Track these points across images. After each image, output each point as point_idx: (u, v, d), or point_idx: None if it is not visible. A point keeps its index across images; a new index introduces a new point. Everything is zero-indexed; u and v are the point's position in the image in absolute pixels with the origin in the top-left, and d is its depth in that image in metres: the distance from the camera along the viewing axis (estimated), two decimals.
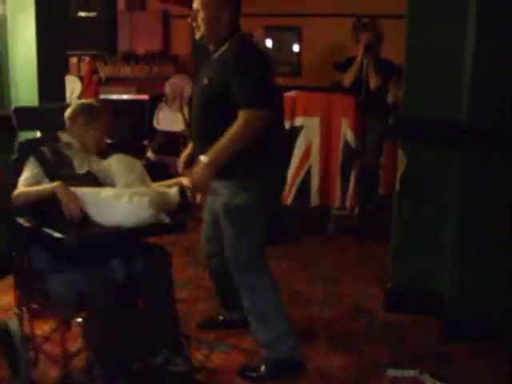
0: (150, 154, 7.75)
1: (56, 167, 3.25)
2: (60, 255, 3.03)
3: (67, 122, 3.47)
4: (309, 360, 3.65)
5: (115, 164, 3.36)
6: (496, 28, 3.74)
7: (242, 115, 3.16)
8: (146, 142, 8.26)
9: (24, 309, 3.37)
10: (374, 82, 5.91)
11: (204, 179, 3.20)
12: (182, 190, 3.42)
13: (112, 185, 3.31)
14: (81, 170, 3.33)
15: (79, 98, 7.29)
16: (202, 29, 3.40)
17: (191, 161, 3.56)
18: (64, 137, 3.41)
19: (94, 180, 3.31)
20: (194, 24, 3.43)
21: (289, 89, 6.31)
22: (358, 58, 5.96)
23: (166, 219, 3.19)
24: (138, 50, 9.93)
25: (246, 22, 9.63)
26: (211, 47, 3.49)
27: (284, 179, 3.83)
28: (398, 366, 3.57)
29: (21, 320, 3.35)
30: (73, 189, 3.07)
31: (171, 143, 7.61)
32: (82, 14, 5.96)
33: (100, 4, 6.03)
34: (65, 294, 3.01)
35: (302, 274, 5.18)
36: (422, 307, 4.28)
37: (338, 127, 5.87)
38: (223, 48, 3.39)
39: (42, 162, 3.25)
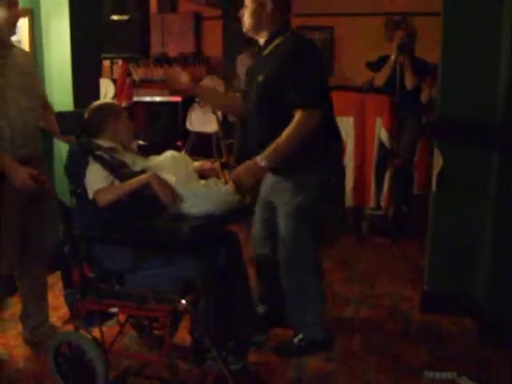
0: None
1: (117, 168, 3.22)
2: (163, 249, 3.07)
3: (96, 127, 3.39)
4: (345, 361, 3.65)
5: (171, 159, 3.35)
6: None
7: (298, 116, 3.21)
8: (179, 143, 8.29)
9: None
10: (410, 82, 5.83)
11: (255, 179, 3.31)
12: None
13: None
14: (136, 167, 3.30)
15: (112, 100, 7.34)
16: (247, 22, 3.44)
17: (240, 157, 3.62)
18: (103, 142, 3.35)
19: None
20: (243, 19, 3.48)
21: None
22: (392, 57, 5.90)
23: (248, 201, 3.49)
24: (170, 52, 10.00)
25: None
26: (260, 42, 3.52)
27: (342, 176, 3.96)
28: (435, 368, 3.54)
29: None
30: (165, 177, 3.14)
31: (204, 144, 7.63)
32: (114, 17, 5.98)
33: (132, 7, 6.05)
34: (170, 285, 3.05)
35: (339, 273, 5.16)
36: (458, 309, 4.23)
37: (373, 127, 5.83)
38: (273, 44, 3.40)
39: (105, 165, 3.19)
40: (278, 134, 3.25)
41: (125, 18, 5.92)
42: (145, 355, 3.74)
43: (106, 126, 3.38)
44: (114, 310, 3.18)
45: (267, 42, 3.44)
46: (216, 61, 9.49)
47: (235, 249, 3.43)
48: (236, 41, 7.84)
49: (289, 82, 3.23)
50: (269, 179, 3.62)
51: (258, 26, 3.42)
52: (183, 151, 3.66)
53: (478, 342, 3.89)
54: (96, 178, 3.13)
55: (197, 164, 3.52)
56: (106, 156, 3.21)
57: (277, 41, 3.39)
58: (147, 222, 3.04)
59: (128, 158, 3.33)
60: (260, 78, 3.38)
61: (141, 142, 7.50)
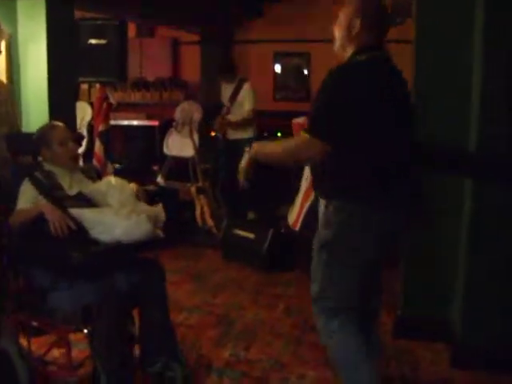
0: (159, 180, 7.78)
1: (50, 190, 3.39)
2: (63, 272, 3.16)
3: (39, 147, 3.56)
4: None
5: (107, 185, 3.50)
6: (502, 52, 3.75)
7: (301, 136, 3.00)
8: (155, 168, 8.28)
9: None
10: None
11: (245, 166, 3.21)
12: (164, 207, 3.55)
13: (103, 205, 3.43)
14: (71, 191, 3.46)
15: (90, 123, 7.35)
16: (337, 40, 3.14)
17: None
18: (44, 165, 3.53)
19: (85, 200, 3.43)
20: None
21: (298, 114, 6.33)
22: None
23: (161, 234, 3.41)
24: (148, 77, 10.02)
25: (255, 48, 9.76)
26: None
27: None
28: None
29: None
30: (74, 210, 3.23)
31: (181, 169, 7.63)
32: (92, 41, 6.00)
33: (110, 32, 6.08)
34: (71, 308, 3.16)
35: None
36: (432, 334, 4.25)
37: None
38: None
39: (37, 185, 3.37)
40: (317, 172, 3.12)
41: (103, 42, 5.94)
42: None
43: (46, 149, 3.53)
44: (34, 323, 3.34)
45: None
46: (193, 86, 9.52)
47: (153, 276, 3.49)
48: (213, 66, 7.88)
49: (313, 106, 2.99)
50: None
51: (342, 46, 3.10)
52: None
53: (451, 367, 3.91)
54: (22, 198, 3.31)
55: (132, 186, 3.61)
56: (40, 177, 3.38)
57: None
58: (41, 245, 3.20)
59: (65, 182, 3.48)
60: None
61: (117, 166, 7.52)
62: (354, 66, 2.98)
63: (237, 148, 7.03)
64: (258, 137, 7.78)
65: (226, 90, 7.46)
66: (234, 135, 7.40)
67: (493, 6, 3.72)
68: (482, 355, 3.86)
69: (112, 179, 3.58)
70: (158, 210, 3.49)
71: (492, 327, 3.89)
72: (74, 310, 3.16)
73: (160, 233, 3.41)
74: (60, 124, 3.68)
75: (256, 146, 3.15)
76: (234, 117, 7.34)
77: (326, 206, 3.10)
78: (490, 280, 3.88)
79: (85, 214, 3.23)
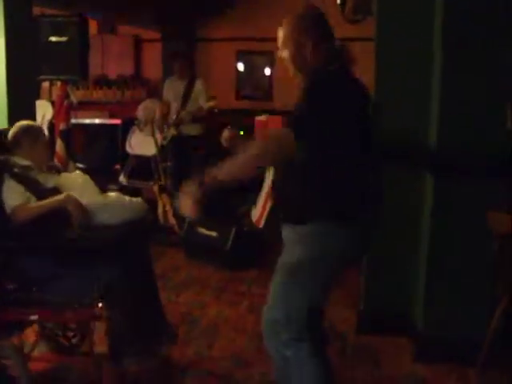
0: (122, 179, 7.71)
1: (32, 185, 3.45)
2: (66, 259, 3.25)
3: (14, 146, 3.61)
4: None
5: (80, 179, 3.67)
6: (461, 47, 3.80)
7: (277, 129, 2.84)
8: (118, 167, 8.22)
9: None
10: None
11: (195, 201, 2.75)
12: None
13: (81, 195, 3.51)
14: (48, 185, 3.54)
15: (51, 122, 7.25)
16: (291, 69, 3.00)
17: None
18: (19, 160, 3.55)
19: (60, 193, 3.48)
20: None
21: (260, 113, 6.34)
22: None
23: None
24: (109, 75, 9.95)
25: (218, 47, 9.74)
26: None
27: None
28: None
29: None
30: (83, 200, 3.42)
31: (143, 168, 7.58)
32: (53, 38, 5.93)
33: (71, 29, 6.01)
34: (90, 288, 3.26)
35: None
36: (394, 329, 4.29)
37: None
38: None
39: (20, 182, 3.41)
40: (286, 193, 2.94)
41: (63, 39, 5.87)
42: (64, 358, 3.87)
43: (23, 145, 3.60)
44: (34, 317, 3.32)
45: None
46: (155, 83, 9.47)
47: (145, 259, 3.69)
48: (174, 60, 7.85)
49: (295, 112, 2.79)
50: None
51: (302, 70, 2.97)
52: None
53: (413, 361, 3.94)
54: (13, 194, 3.34)
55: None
56: (21, 174, 3.44)
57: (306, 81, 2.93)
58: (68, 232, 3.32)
59: (41, 177, 3.56)
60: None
61: (79, 165, 7.44)
62: (329, 75, 2.88)
63: (188, 143, 7.35)
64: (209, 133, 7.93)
65: (177, 87, 7.48)
66: (188, 131, 7.46)
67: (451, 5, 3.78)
68: (444, 349, 3.90)
69: (81, 174, 3.75)
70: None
71: (453, 321, 3.94)
72: (92, 289, 3.25)
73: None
74: (35, 126, 3.80)
75: (208, 176, 2.77)
76: (188, 113, 7.39)
77: (294, 229, 2.92)
78: (450, 275, 3.93)
79: (91, 204, 3.43)
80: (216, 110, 7.48)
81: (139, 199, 3.70)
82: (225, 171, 2.77)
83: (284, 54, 2.98)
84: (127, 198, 3.68)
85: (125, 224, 3.47)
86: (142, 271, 3.60)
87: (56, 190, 3.49)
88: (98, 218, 3.41)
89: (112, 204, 3.54)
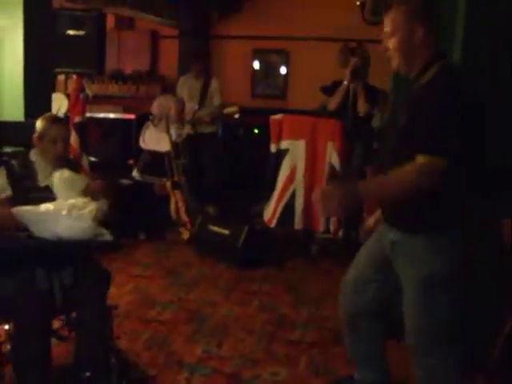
0: (135, 174, 7.71)
1: (21, 180, 3.42)
2: None
3: (40, 137, 3.55)
4: None
5: (56, 180, 3.47)
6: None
7: (419, 161, 2.57)
8: (131, 162, 8.22)
9: None
10: (362, 108, 5.92)
11: (340, 202, 2.60)
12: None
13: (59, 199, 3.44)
14: (43, 183, 3.48)
15: (66, 115, 7.27)
16: (396, 57, 2.82)
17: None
18: (31, 155, 3.55)
19: (51, 193, 3.42)
20: (388, 54, 2.86)
21: (275, 112, 6.33)
22: (345, 83, 5.97)
23: (107, 236, 3.33)
24: (125, 70, 9.96)
25: (234, 45, 9.74)
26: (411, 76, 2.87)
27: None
28: None
29: None
30: (15, 208, 3.20)
31: (157, 163, 7.58)
32: (70, 32, 5.95)
33: (89, 23, 6.02)
34: None
35: (286, 296, 5.16)
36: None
37: (324, 151, 5.88)
38: (426, 76, 2.76)
39: (9, 174, 3.41)
40: (413, 199, 2.69)
41: (81, 33, 5.89)
42: None
43: (38, 140, 3.54)
44: None
45: (418, 75, 2.81)
46: (171, 80, 9.45)
47: (89, 280, 3.36)
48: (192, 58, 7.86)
49: (422, 121, 2.62)
50: (389, 231, 2.97)
51: (409, 60, 2.81)
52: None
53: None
54: None
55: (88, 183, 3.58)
56: (15, 166, 3.45)
57: (429, 73, 2.75)
58: None
59: (44, 173, 3.48)
60: (402, 119, 2.80)
61: (92, 159, 7.45)
62: (456, 72, 2.82)
63: (203, 141, 7.38)
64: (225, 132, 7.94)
65: (193, 86, 7.50)
66: (202, 129, 7.48)
67: None
68: None
69: (63, 173, 3.49)
70: (100, 205, 3.45)
71: None
72: None
73: (105, 233, 3.33)
74: (59, 121, 3.67)
75: (358, 185, 2.66)
76: (205, 111, 7.42)
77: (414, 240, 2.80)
78: None
79: (24, 213, 3.20)
80: (237, 116, 7.48)
81: (85, 213, 3.28)
82: (372, 190, 2.72)
83: (390, 42, 2.81)
84: (77, 211, 3.28)
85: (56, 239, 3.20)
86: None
87: (47, 189, 3.43)
88: (33, 229, 3.20)
89: (43, 216, 3.22)
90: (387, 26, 2.81)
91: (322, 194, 2.63)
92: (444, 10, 3.83)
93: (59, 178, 3.46)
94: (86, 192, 3.48)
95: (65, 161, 3.59)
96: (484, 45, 3.79)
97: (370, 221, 3.37)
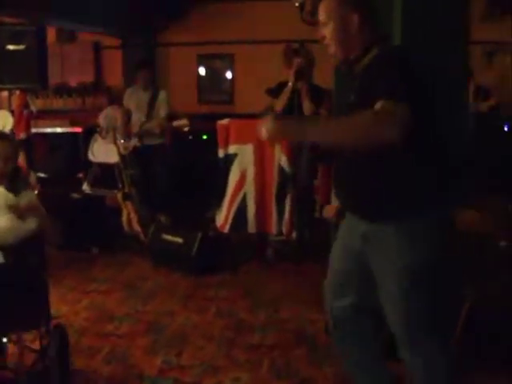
0: (85, 187, 7.63)
1: None
2: None
3: None
4: None
5: None
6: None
7: (376, 107, 2.36)
8: (81, 175, 8.14)
9: None
10: (307, 108, 5.94)
11: (281, 132, 2.48)
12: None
13: None
14: None
15: (11, 132, 7.16)
16: (332, 45, 2.72)
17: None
18: None
19: None
20: (325, 42, 2.75)
21: (223, 117, 6.33)
22: (290, 84, 5.99)
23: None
24: (70, 82, 9.85)
25: (178, 51, 9.70)
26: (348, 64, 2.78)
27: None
28: None
29: None
30: None
31: (107, 175, 7.51)
32: (10, 47, 5.87)
33: (29, 37, 5.95)
34: None
35: (244, 301, 5.16)
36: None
37: (272, 154, 5.89)
38: (366, 59, 2.68)
39: None
40: (377, 179, 2.57)
41: (21, 47, 5.82)
42: None
43: None
44: None
45: (356, 60, 2.72)
46: (117, 90, 9.38)
47: None
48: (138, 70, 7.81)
49: (378, 80, 2.46)
50: (358, 225, 2.76)
51: (345, 49, 2.71)
52: None
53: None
54: None
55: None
56: None
57: (369, 55, 2.68)
58: None
59: None
60: (351, 97, 2.71)
61: (41, 175, 7.36)
62: (399, 50, 2.87)
63: (151, 152, 7.31)
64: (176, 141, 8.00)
65: (141, 98, 7.43)
66: (149, 141, 7.38)
67: None
68: None
69: None
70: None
71: None
72: None
73: None
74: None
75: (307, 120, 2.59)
76: (153, 123, 7.35)
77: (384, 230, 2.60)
78: None
79: None
80: (186, 129, 7.46)
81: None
82: (322, 127, 2.47)
83: (326, 31, 2.71)
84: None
85: None
86: None
87: None
88: None
89: None
90: (321, 15, 2.72)
91: (270, 121, 2.46)
92: None
93: None
94: (14, 211, 3.56)
95: (5, 178, 3.60)
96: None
97: (330, 210, 3.31)
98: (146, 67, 7.67)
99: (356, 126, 2.36)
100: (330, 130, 2.42)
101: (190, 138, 8.75)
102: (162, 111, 7.39)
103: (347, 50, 2.70)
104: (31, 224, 3.56)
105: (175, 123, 7.28)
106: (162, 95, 7.47)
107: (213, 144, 6.44)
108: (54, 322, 3.59)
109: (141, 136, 7.27)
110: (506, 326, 3.77)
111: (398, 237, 2.56)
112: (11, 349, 3.60)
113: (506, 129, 7.87)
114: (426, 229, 2.55)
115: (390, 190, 2.56)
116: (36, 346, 3.57)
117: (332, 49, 2.72)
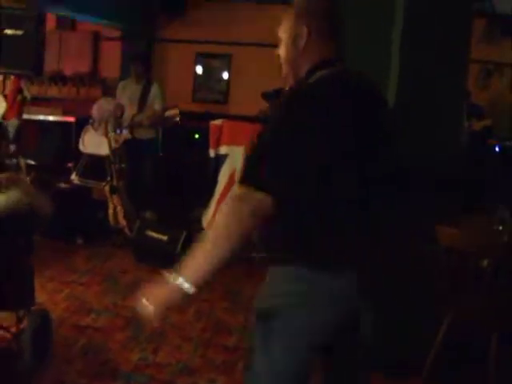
0: (74, 177, 7.60)
1: None
2: None
3: None
4: None
5: None
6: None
7: (231, 196, 2.09)
8: (70, 165, 8.10)
9: None
10: None
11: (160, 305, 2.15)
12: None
13: None
14: None
15: (3, 117, 7.13)
16: (283, 66, 2.32)
17: None
18: None
19: None
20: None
21: (216, 116, 6.33)
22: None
23: None
24: (66, 71, 9.81)
25: (176, 48, 9.68)
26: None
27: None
28: None
29: None
30: None
31: (96, 167, 7.48)
32: (8, 31, 5.84)
33: (28, 22, 5.92)
34: None
35: (223, 302, 5.15)
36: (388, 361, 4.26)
37: None
38: None
39: None
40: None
41: (19, 32, 5.79)
42: None
43: None
44: None
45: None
46: (112, 82, 9.34)
47: None
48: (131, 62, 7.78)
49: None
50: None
51: (295, 67, 2.27)
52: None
53: None
54: None
55: None
56: None
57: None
58: None
59: None
60: None
61: (30, 162, 7.32)
62: (300, 92, 2.20)
63: (141, 147, 7.28)
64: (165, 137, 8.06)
65: (133, 90, 7.43)
66: (140, 135, 7.38)
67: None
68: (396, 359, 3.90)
69: None
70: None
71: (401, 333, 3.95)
72: None
73: None
74: None
75: (178, 281, 2.05)
76: (144, 116, 7.34)
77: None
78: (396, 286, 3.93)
79: None
80: (177, 119, 7.45)
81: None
82: (195, 270, 2.07)
83: (280, 48, 2.32)
84: None
85: None
86: None
87: None
88: None
89: None
90: (279, 30, 2.32)
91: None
92: None
93: None
94: None
95: None
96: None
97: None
98: (140, 60, 7.65)
99: (218, 233, 2.04)
100: (204, 258, 2.06)
101: (182, 135, 8.74)
102: (156, 105, 7.39)
103: (296, 72, 2.27)
104: (14, 194, 3.52)
105: (167, 113, 7.28)
106: (155, 89, 7.45)
107: (204, 143, 6.43)
108: (36, 307, 3.59)
109: (131, 129, 7.25)
110: (485, 344, 3.77)
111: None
112: None
113: (497, 149, 7.92)
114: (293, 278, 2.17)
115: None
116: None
117: (283, 70, 2.33)
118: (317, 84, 2.16)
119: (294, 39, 2.23)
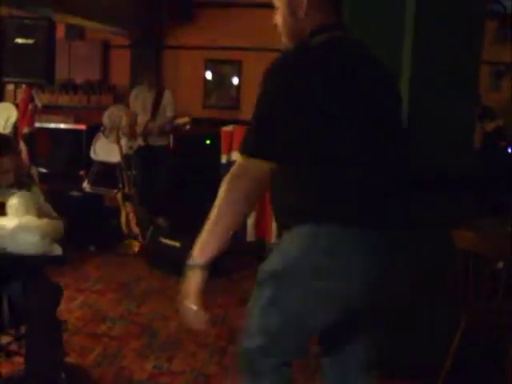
0: (85, 185, 7.63)
1: None
2: None
3: None
4: None
5: (11, 201, 3.40)
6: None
7: (234, 167, 2.11)
8: (82, 173, 8.13)
9: None
10: None
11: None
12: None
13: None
14: None
15: (15, 125, 7.15)
16: (283, 35, 2.34)
17: None
18: None
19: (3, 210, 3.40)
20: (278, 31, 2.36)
21: (227, 122, 6.32)
22: None
23: (58, 250, 3.40)
24: (76, 79, 9.85)
25: (186, 55, 9.68)
26: None
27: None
28: None
29: None
30: None
31: (107, 175, 7.51)
32: (19, 40, 5.86)
33: (38, 31, 5.94)
34: None
35: (239, 309, 5.12)
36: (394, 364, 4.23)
37: None
38: None
39: None
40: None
41: (30, 41, 5.81)
42: None
43: None
44: None
45: None
46: (122, 90, 9.38)
47: (39, 295, 3.28)
48: (143, 70, 7.80)
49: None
50: None
51: (294, 34, 2.27)
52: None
53: None
54: None
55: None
56: None
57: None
58: None
59: None
60: None
61: (42, 170, 7.34)
62: (304, 52, 2.14)
63: (155, 153, 7.27)
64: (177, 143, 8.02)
65: (146, 98, 7.41)
66: (153, 141, 7.37)
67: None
68: (407, 368, 3.87)
69: (19, 196, 3.45)
70: (57, 224, 3.52)
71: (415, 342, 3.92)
72: None
73: (57, 248, 3.39)
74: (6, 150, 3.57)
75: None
76: (156, 123, 7.34)
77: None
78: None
79: None
80: (188, 127, 7.46)
81: (32, 229, 3.32)
82: (204, 242, 2.18)
83: (277, 16, 2.31)
84: (23, 228, 3.30)
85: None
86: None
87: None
88: None
89: None
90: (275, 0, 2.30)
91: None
92: None
93: (15, 201, 3.41)
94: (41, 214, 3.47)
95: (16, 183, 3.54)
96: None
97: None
98: (151, 67, 7.68)
99: (225, 200, 2.07)
100: (209, 240, 2.16)
101: (194, 142, 8.75)
102: (168, 112, 7.39)
103: (295, 40, 2.27)
104: (59, 224, 3.58)
105: (176, 121, 7.29)
106: (168, 96, 7.46)
107: (215, 149, 6.42)
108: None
109: (145, 136, 7.27)
110: (501, 349, 3.73)
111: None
112: None
113: (509, 150, 7.86)
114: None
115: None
116: None
117: (283, 39, 2.33)
118: (314, 47, 2.14)
119: (294, 7, 2.22)
